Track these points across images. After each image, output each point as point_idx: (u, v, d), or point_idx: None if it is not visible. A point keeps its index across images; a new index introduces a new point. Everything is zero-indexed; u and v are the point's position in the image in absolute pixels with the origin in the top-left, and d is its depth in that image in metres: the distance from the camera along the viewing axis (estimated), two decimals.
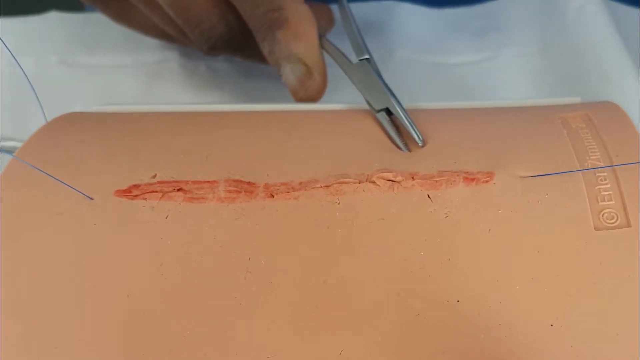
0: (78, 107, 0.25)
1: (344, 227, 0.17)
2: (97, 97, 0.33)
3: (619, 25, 0.30)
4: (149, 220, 0.18)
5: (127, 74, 0.34)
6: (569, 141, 0.19)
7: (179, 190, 0.18)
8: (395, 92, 0.22)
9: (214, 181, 0.18)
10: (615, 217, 0.17)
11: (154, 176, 0.19)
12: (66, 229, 0.18)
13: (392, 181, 0.18)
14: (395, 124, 0.21)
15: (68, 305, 0.17)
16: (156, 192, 0.18)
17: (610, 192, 0.17)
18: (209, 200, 0.18)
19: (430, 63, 0.34)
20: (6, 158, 0.20)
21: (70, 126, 0.22)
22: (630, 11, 0.34)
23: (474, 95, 0.32)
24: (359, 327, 0.16)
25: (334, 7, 0.30)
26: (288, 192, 0.18)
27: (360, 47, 0.24)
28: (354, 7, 0.27)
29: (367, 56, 0.23)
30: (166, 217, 0.18)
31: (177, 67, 0.35)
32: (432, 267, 0.16)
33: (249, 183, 0.18)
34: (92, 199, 0.18)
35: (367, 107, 0.22)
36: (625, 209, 0.17)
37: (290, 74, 0.24)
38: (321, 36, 0.25)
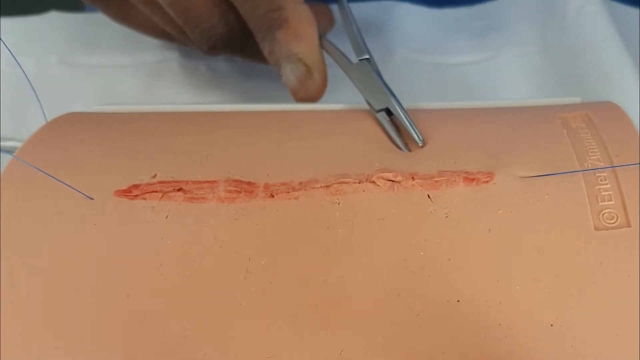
0: (78, 107, 0.25)
1: (344, 227, 0.17)
2: (97, 97, 0.33)
3: (619, 25, 0.30)
4: (149, 220, 0.18)
5: (127, 74, 0.34)
6: (569, 141, 0.19)
7: (179, 190, 0.18)
8: (395, 92, 0.22)
9: (214, 181, 0.18)
10: (615, 217, 0.17)
11: (154, 176, 0.19)
12: (66, 229, 0.18)
13: (392, 181, 0.18)
14: (395, 124, 0.21)
15: (68, 305, 0.17)
16: (156, 192, 0.18)
17: (610, 192, 0.17)
18: (209, 200, 0.18)
19: (430, 63, 0.34)
20: (6, 158, 0.20)
21: (70, 126, 0.22)
22: (630, 11, 0.34)
23: (474, 95, 0.32)
24: (359, 327, 0.16)
25: (334, 7, 0.30)
26: (288, 192, 0.18)
27: (360, 47, 0.24)
28: (354, 7, 0.27)
29: (367, 56, 0.23)
30: (166, 217, 0.18)
31: (177, 67, 0.35)
32: (432, 267, 0.16)
33: (249, 183, 0.18)
34: (92, 199, 0.18)
35: (367, 107, 0.22)
36: (625, 209, 0.17)
37: (290, 74, 0.24)
38: (321, 36, 0.25)
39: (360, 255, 0.17)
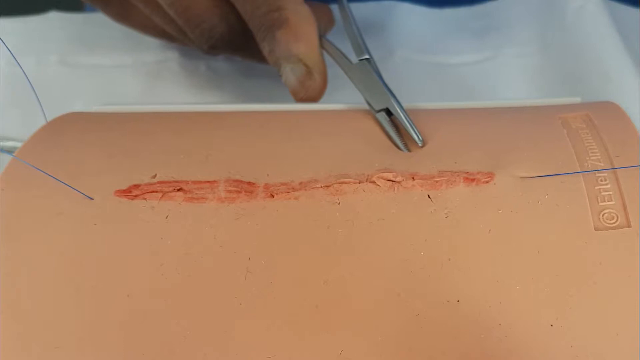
0: (78, 107, 0.25)
1: (344, 227, 0.17)
2: (97, 97, 0.33)
3: (619, 25, 0.30)
4: (149, 220, 0.18)
5: (127, 74, 0.34)
6: (569, 141, 0.19)
7: (179, 190, 0.18)
8: (395, 92, 0.22)
9: (214, 181, 0.18)
10: (615, 218, 0.17)
11: (154, 176, 0.19)
12: (66, 229, 0.18)
13: (392, 181, 0.18)
14: (395, 124, 0.21)
15: (68, 305, 0.17)
16: (156, 192, 0.18)
17: (611, 193, 0.17)
18: (209, 200, 0.18)
19: (430, 63, 0.34)
20: (6, 158, 0.20)
21: (70, 126, 0.22)
22: (630, 11, 0.34)
23: (474, 95, 0.33)
24: (359, 327, 0.16)
25: (334, 7, 0.30)
26: (288, 192, 0.18)
27: (360, 47, 0.24)
28: (354, 7, 0.27)
29: (367, 56, 0.23)
30: (166, 217, 0.18)
31: (177, 67, 0.35)
32: (433, 267, 0.16)
33: (249, 183, 0.18)
34: (92, 199, 0.18)
35: (367, 107, 0.22)
36: (625, 209, 0.17)
37: (290, 74, 0.24)
38: (321, 36, 0.25)
39: (361, 255, 0.17)
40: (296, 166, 0.19)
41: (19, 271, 0.17)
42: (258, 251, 0.17)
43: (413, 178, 0.18)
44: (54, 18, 0.37)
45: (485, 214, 0.17)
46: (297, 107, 0.24)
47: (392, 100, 0.21)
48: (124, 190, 0.18)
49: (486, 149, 0.19)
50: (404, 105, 0.21)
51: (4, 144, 0.25)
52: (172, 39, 0.30)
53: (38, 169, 0.18)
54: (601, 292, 0.16)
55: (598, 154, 0.18)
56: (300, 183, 0.18)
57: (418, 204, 0.17)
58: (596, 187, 0.17)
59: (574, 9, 0.32)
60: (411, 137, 0.20)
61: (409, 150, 0.20)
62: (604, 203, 0.17)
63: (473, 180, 0.18)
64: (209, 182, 0.18)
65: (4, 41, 0.34)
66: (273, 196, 0.18)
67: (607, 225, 0.16)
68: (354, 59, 0.24)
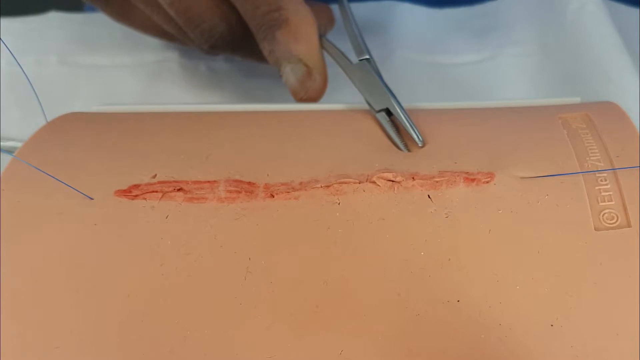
0: (78, 107, 0.25)
1: (344, 227, 0.17)
2: (97, 97, 0.33)
3: (619, 25, 0.30)
4: (149, 220, 0.18)
5: (127, 74, 0.34)
6: (569, 141, 0.19)
7: (179, 190, 0.18)
8: (395, 92, 0.22)
9: (214, 181, 0.18)
10: (615, 218, 0.17)
11: (154, 176, 0.19)
12: (66, 229, 0.18)
13: (393, 181, 0.18)
14: (395, 124, 0.21)
15: (68, 305, 0.17)
16: (156, 192, 0.18)
17: (611, 193, 0.17)
18: (209, 200, 0.18)
19: (430, 63, 0.34)
20: (6, 158, 0.20)
21: (70, 126, 0.22)
22: (630, 11, 0.34)
23: (474, 95, 0.32)
24: (359, 327, 0.16)
25: (334, 7, 0.30)
26: (288, 192, 0.18)
27: (361, 47, 0.24)
28: (354, 7, 0.27)
29: (367, 56, 0.23)
30: (166, 217, 0.18)
31: (177, 67, 0.35)
32: (433, 267, 0.16)
33: (249, 183, 0.18)
34: (92, 199, 0.18)
35: (367, 107, 0.22)
36: (625, 209, 0.17)
37: (290, 74, 0.24)
38: (321, 36, 0.25)
39: (361, 255, 0.17)
40: (296, 166, 0.19)
41: (19, 271, 0.17)
42: (258, 251, 0.17)
43: (413, 178, 0.18)
44: (54, 18, 0.37)
45: (485, 214, 0.17)
46: (297, 107, 0.24)
47: (392, 100, 0.21)
48: (124, 190, 0.18)
49: (486, 149, 0.19)
50: (404, 105, 0.21)
51: (4, 144, 0.25)
52: (172, 39, 0.30)
53: (38, 169, 0.18)
54: (601, 292, 0.16)
55: (598, 154, 0.18)
56: (301, 183, 0.18)
57: (418, 204, 0.17)
58: (596, 187, 0.17)
59: (574, 9, 0.32)
60: (411, 137, 0.20)
61: (409, 150, 0.20)
62: (604, 203, 0.17)
63: (473, 180, 0.18)
64: (209, 182, 0.18)
65: (4, 41, 0.34)
66: (273, 196, 0.18)
67: (607, 225, 0.16)
68: (354, 59, 0.24)
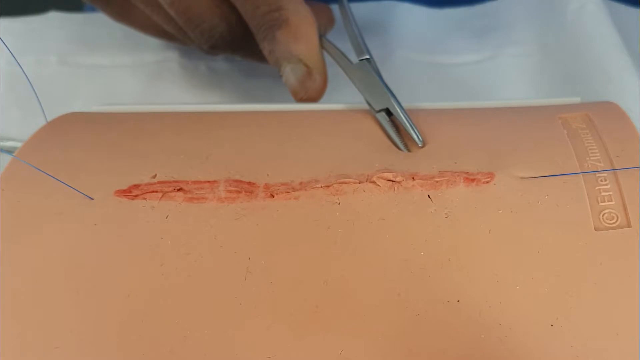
0: (78, 107, 0.25)
1: (344, 227, 0.17)
2: (97, 97, 0.33)
3: (619, 25, 0.30)
4: (149, 220, 0.18)
5: (127, 74, 0.34)
6: (569, 141, 0.19)
7: (179, 190, 0.18)
8: (395, 92, 0.22)
9: (214, 181, 0.18)
10: (615, 218, 0.17)
11: (154, 176, 0.19)
12: (66, 229, 0.18)
13: (393, 181, 0.18)
14: (395, 124, 0.21)
15: (68, 305, 0.17)
16: (156, 192, 0.18)
17: (611, 193, 0.17)
18: (209, 200, 0.18)
19: (430, 63, 0.34)
20: (6, 158, 0.20)
21: (70, 126, 0.22)
22: (630, 11, 0.34)
23: (474, 95, 0.33)
24: (359, 327, 0.16)
25: (334, 7, 0.30)
26: (288, 192, 0.18)
27: (361, 47, 0.24)
28: (354, 7, 0.27)
29: (367, 56, 0.23)
30: (166, 217, 0.18)
31: (177, 67, 0.35)
32: (433, 267, 0.16)
33: (249, 183, 0.18)
34: (92, 199, 0.18)
35: (367, 107, 0.22)
36: (625, 209, 0.17)
37: (290, 74, 0.24)
38: (321, 36, 0.25)
39: (361, 255, 0.17)
40: (296, 166, 0.19)
41: (19, 271, 0.17)
42: (258, 251, 0.17)
43: (413, 178, 0.18)
44: (54, 18, 0.37)
45: (485, 214, 0.17)
46: (297, 107, 0.24)
47: (392, 100, 0.21)
48: (124, 190, 0.18)
49: (486, 149, 0.19)
50: (404, 105, 0.21)
51: (4, 144, 0.25)
52: (172, 39, 0.30)
53: (38, 169, 0.18)
54: (601, 292, 0.16)
55: (598, 154, 0.18)
56: (301, 183, 0.18)
57: (418, 204, 0.17)
58: (596, 187, 0.17)
59: (574, 9, 0.32)
60: (411, 137, 0.20)
61: (409, 150, 0.20)
62: (604, 203, 0.17)
63: (473, 180, 0.18)
64: (209, 182, 0.18)
65: (4, 41, 0.34)
66: (273, 196, 0.18)
67: (607, 225, 0.16)
68: (354, 59, 0.24)
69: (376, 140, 0.20)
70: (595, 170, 0.18)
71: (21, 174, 0.19)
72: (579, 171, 0.18)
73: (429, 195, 0.17)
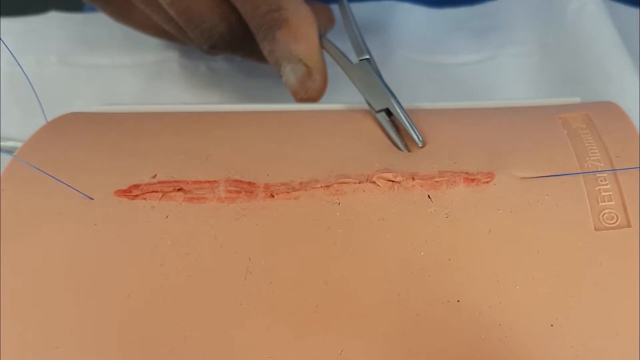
0: (78, 107, 0.25)
1: (344, 227, 0.17)
2: (97, 97, 0.33)
3: (619, 25, 0.30)
4: (149, 220, 0.18)
5: (127, 74, 0.34)
6: (569, 142, 0.19)
7: (179, 190, 0.18)
8: (395, 92, 0.22)
9: (214, 181, 0.18)
10: (615, 218, 0.17)
11: (154, 176, 0.19)
12: (66, 229, 0.18)
13: (393, 181, 0.18)
14: (395, 124, 0.21)
15: (68, 305, 0.17)
16: (156, 192, 0.18)
17: (610, 193, 0.17)
18: (209, 200, 0.18)
19: (430, 63, 0.34)
20: (6, 158, 0.20)
21: (70, 126, 0.22)
22: (630, 11, 0.34)
23: (474, 95, 0.33)
24: (359, 327, 0.16)
25: (334, 7, 0.30)
26: (288, 192, 0.18)
27: (361, 47, 0.24)
28: (354, 7, 0.27)
29: (367, 56, 0.23)
30: (166, 217, 0.18)
31: (177, 67, 0.35)
32: (433, 267, 0.16)
33: (249, 183, 0.18)
34: (92, 199, 0.18)
35: (367, 107, 0.22)
36: (625, 209, 0.17)
37: (290, 74, 0.24)
38: (321, 36, 0.25)
39: (361, 256, 0.17)
40: (296, 166, 0.19)
41: (19, 271, 0.17)
42: (258, 251, 0.17)
43: (413, 178, 0.18)
44: (54, 18, 0.37)
45: (485, 214, 0.17)
46: (297, 107, 0.24)
47: (392, 100, 0.21)
48: (124, 190, 0.18)
49: (486, 149, 0.19)
50: (404, 105, 0.21)
51: (4, 144, 0.25)
52: (172, 39, 0.30)
53: (38, 169, 0.18)
54: (601, 292, 0.16)
55: (598, 154, 0.18)
56: (301, 183, 0.18)
57: (418, 204, 0.17)
58: (596, 188, 0.17)
59: (574, 9, 0.32)
60: (411, 137, 0.20)
61: (409, 150, 0.20)
62: (604, 203, 0.17)
63: (473, 180, 0.18)
64: (209, 182, 0.18)
65: (4, 41, 0.34)
66: (273, 196, 0.18)
67: (607, 225, 0.16)
68: (354, 59, 0.24)
69: (376, 140, 0.20)
70: (595, 170, 0.18)
71: (21, 174, 0.19)
72: (579, 171, 0.18)
73: (429, 196, 0.17)
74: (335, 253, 0.17)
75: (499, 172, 0.18)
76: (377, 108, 0.21)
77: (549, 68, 0.33)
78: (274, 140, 0.20)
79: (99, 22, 0.36)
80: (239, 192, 0.18)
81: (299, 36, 0.24)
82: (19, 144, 0.21)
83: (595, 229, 0.16)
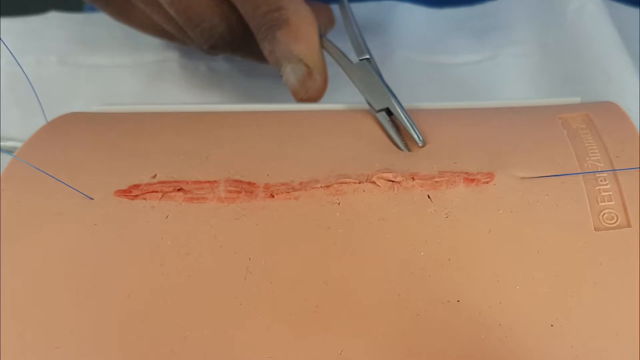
0: (78, 107, 0.25)
1: (344, 227, 0.17)
2: (97, 97, 0.33)
3: (619, 25, 0.30)
4: (149, 220, 0.18)
5: (127, 74, 0.34)
6: (569, 142, 0.19)
7: (179, 190, 0.18)
8: (395, 92, 0.22)
9: (214, 181, 0.18)
10: (615, 218, 0.17)
11: (154, 176, 0.19)
12: (66, 229, 0.18)
13: (392, 181, 0.18)
14: (395, 124, 0.21)
15: (68, 305, 0.17)
16: (156, 192, 0.18)
17: (610, 193, 0.17)
18: (209, 200, 0.18)
19: (430, 63, 0.34)
20: (6, 158, 0.20)
21: (70, 126, 0.22)
22: (630, 11, 0.34)
23: (474, 95, 0.33)
24: (359, 327, 0.16)
25: (334, 7, 0.30)
26: (288, 192, 0.18)
27: (361, 47, 0.24)
28: (354, 7, 0.27)
29: (367, 56, 0.23)
30: (166, 217, 0.18)
31: (177, 67, 0.35)
32: (433, 268, 0.16)
33: (249, 183, 0.18)
34: (92, 199, 0.18)
35: (367, 107, 0.22)
36: (625, 209, 0.17)
37: (290, 74, 0.24)
38: (321, 36, 0.25)
39: (361, 256, 0.17)
40: (296, 166, 0.19)
41: (19, 271, 0.17)
42: (258, 251, 0.17)
43: (413, 178, 0.18)
44: (54, 18, 0.37)
45: (485, 214, 0.17)
46: (297, 107, 0.24)
47: (393, 100, 0.21)
48: (124, 190, 0.18)
49: (486, 149, 0.19)
50: (404, 105, 0.21)
51: (4, 144, 0.25)
52: (172, 38, 0.30)
53: (38, 169, 0.18)
54: (601, 292, 0.16)
55: (598, 154, 0.18)
56: (301, 183, 0.18)
57: (418, 204, 0.17)
58: (596, 188, 0.17)
59: (574, 9, 0.32)
60: (411, 137, 0.20)
61: (409, 150, 0.20)
62: (604, 203, 0.17)
63: (473, 180, 0.18)
64: (209, 182, 0.18)
65: (4, 41, 0.34)
66: (273, 196, 0.18)
67: (607, 225, 0.16)
68: (354, 58, 0.24)
69: (376, 140, 0.20)
70: (595, 170, 0.18)
71: (21, 174, 0.19)
72: (579, 171, 0.18)
73: (428, 196, 0.17)
74: (335, 253, 0.17)
75: (499, 172, 0.18)
76: (377, 108, 0.21)
77: (549, 68, 0.33)
78: (274, 140, 0.20)
79: (99, 22, 0.36)
80: (239, 192, 0.18)
81: (300, 36, 0.24)
82: (19, 144, 0.21)
83: (595, 229, 0.16)
